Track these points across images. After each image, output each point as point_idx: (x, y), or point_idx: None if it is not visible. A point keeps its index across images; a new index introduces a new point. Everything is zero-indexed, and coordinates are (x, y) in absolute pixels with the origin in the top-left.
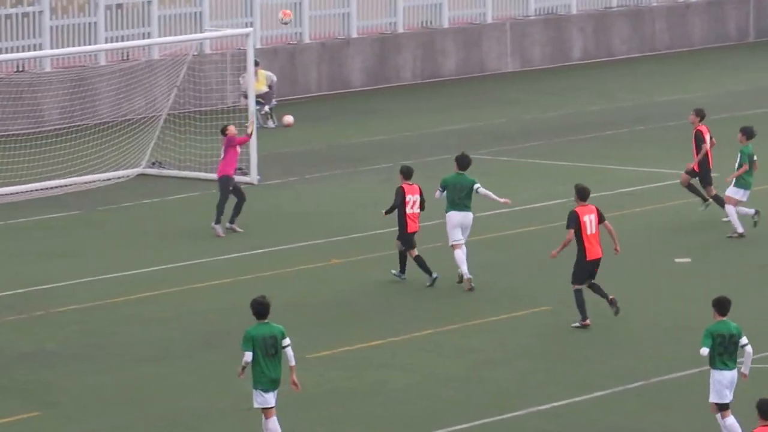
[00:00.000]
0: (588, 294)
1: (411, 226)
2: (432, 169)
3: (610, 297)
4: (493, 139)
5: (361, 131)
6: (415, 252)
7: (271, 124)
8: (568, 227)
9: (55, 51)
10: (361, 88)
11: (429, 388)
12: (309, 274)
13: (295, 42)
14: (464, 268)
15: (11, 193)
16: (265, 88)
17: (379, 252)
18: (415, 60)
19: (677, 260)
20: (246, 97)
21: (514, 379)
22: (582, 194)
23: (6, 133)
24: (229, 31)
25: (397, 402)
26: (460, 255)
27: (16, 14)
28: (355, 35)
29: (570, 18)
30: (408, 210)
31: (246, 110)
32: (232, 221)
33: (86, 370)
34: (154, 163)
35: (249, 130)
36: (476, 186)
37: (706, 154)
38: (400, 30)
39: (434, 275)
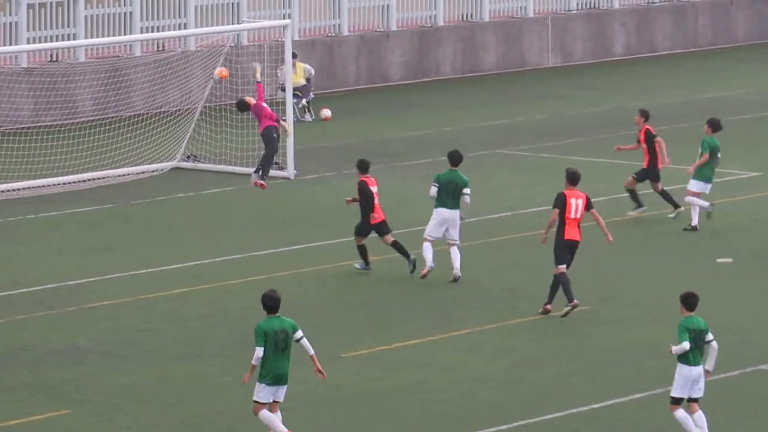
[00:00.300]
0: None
1: (376, 216)
2: (473, 164)
3: (547, 306)
4: (534, 135)
5: (399, 126)
6: (361, 240)
7: (308, 117)
8: (554, 207)
9: (90, 41)
10: (400, 81)
11: (467, 388)
12: (347, 271)
13: (334, 34)
14: (429, 256)
15: (43, 186)
16: (302, 81)
17: (418, 249)
18: (455, 54)
19: (719, 260)
20: (283, 89)
21: (553, 380)
22: (572, 179)
23: (39, 124)
24: (266, 23)
25: (435, 402)
26: (429, 247)
27: (51, 3)
28: (394, 28)
29: (612, 13)
30: (376, 201)
31: (283, 102)
32: (262, 176)
33: (118, 368)
34: (189, 157)
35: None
36: (466, 190)
37: (655, 152)
38: (440, 23)
39: (370, 266)
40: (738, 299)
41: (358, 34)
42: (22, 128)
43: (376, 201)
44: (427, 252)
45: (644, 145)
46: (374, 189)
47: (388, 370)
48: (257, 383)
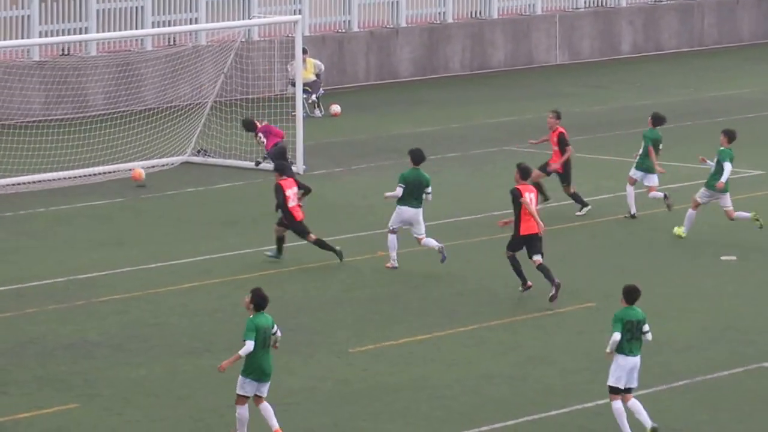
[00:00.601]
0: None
1: (298, 216)
2: (480, 161)
3: (556, 281)
4: (541, 132)
5: (408, 122)
6: (313, 237)
7: (318, 113)
8: (517, 200)
9: (101, 35)
10: (409, 78)
11: (473, 384)
12: (354, 266)
13: (344, 30)
14: (394, 254)
15: (54, 179)
16: (312, 77)
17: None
18: (464, 51)
19: (723, 258)
20: (293, 85)
21: (558, 376)
22: (524, 173)
23: (50, 118)
24: (277, 18)
25: (441, 398)
26: (394, 241)
27: None
28: (403, 24)
29: (619, 11)
30: (290, 204)
31: (293, 98)
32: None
33: (127, 362)
34: (199, 151)
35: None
36: (428, 189)
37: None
38: (449, 20)
39: (338, 248)
40: (741, 297)
41: (367, 30)
42: (34, 121)
43: (290, 203)
44: (392, 250)
45: (556, 148)
46: (290, 191)
47: (395, 365)
48: (242, 377)
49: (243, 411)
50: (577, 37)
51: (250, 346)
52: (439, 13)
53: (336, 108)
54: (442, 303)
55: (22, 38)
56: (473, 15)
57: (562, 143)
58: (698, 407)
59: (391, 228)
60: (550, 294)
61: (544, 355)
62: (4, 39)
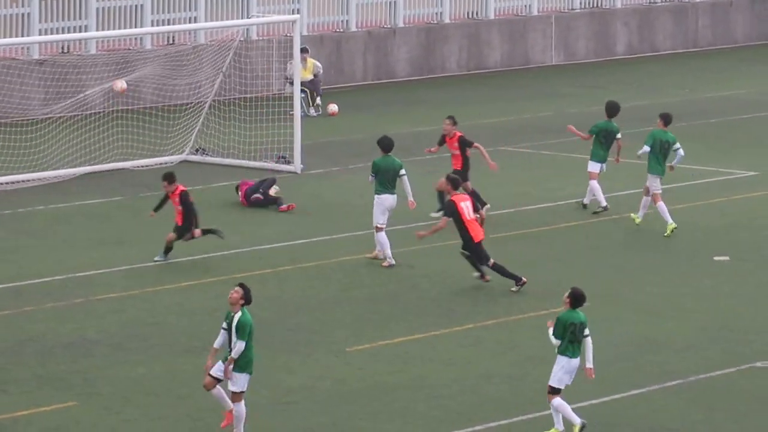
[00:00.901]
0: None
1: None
2: (477, 161)
3: (522, 280)
4: (539, 132)
5: (405, 121)
6: (174, 240)
7: (312, 112)
8: (444, 215)
9: (101, 33)
10: (406, 78)
11: (470, 383)
12: (351, 266)
13: (342, 30)
14: (389, 252)
15: (52, 177)
16: (310, 76)
17: (421, 245)
18: (461, 51)
19: (716, 258)
20: (291, 84)
21: None
22: (455, 184)
23: (49, 116)
24: (275, 18)
25: (438, 397)
26: (385, 238)
27: None
28: (401, 24)
29: (615, 12)
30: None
31: (291, 97)
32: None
33: (126, 361)
34: (197, 150)
35: None
36: (402, 172)
37: (467, 156)
38: (446, 20)
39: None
40: (734, 297)
41: (365, 30)
42: (33, 119)
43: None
44: (386, 248)
45: (457, 152)
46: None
47: (393, 364)
48: (244, 375)
49: (241, 407)
50: (573, 38)
51: (241, 346)
52: (436, 14)
53: (333, 107)
54: (440, 302)
55: (22, 36)
56: (470, 15)
57: (465, 146)
58: (693, 407)
59: (377, 225)
60: (516, 288)
61: (543, 355)
62: (4, 37)
